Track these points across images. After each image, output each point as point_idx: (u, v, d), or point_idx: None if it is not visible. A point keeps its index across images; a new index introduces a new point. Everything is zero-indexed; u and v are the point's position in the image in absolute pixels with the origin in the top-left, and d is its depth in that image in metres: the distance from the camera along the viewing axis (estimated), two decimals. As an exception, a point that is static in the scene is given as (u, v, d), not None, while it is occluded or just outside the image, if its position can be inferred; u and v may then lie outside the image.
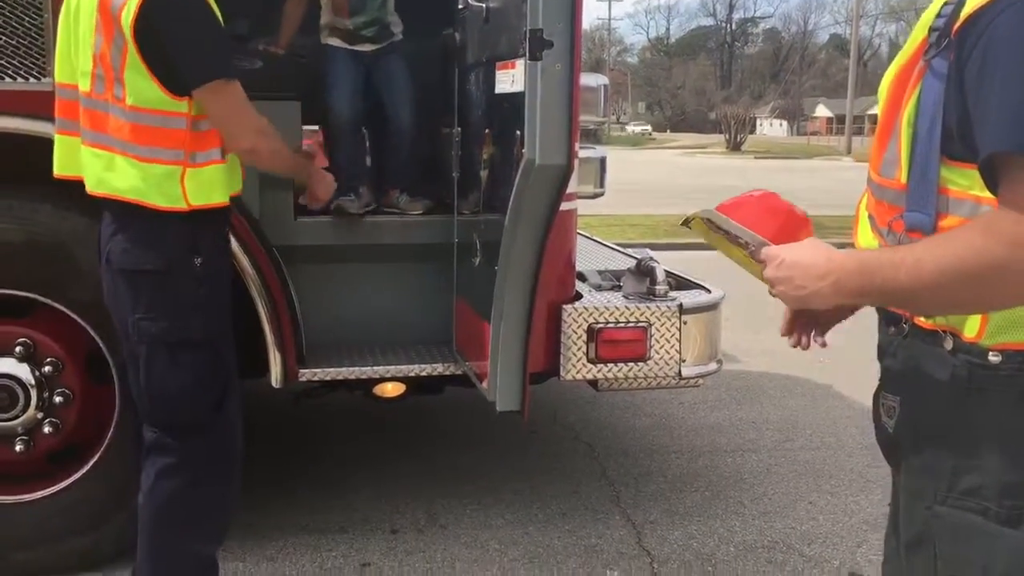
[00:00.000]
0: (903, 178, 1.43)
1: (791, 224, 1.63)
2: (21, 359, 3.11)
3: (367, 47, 3.83)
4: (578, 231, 3.71)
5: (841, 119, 58.70)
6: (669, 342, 3.33)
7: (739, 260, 1.71)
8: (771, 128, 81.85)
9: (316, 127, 4.10)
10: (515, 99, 2.69)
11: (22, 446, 3.15)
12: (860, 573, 3.38)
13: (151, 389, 2.62)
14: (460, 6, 3.40)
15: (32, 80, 2.99)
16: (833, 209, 11.54)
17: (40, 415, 3.13)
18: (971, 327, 1.39)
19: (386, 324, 3.62)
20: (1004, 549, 1.38)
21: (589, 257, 4.34)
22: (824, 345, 1.81)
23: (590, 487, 4.11)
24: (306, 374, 3.29)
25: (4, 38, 2.98)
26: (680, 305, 3.35)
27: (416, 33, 3.99)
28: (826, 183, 22.89)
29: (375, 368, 3.37)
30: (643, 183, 21.49)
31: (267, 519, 3.62)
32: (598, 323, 3.28)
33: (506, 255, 2.81)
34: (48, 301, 3.09)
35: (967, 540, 1.41)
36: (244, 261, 3.12)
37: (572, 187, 2.98)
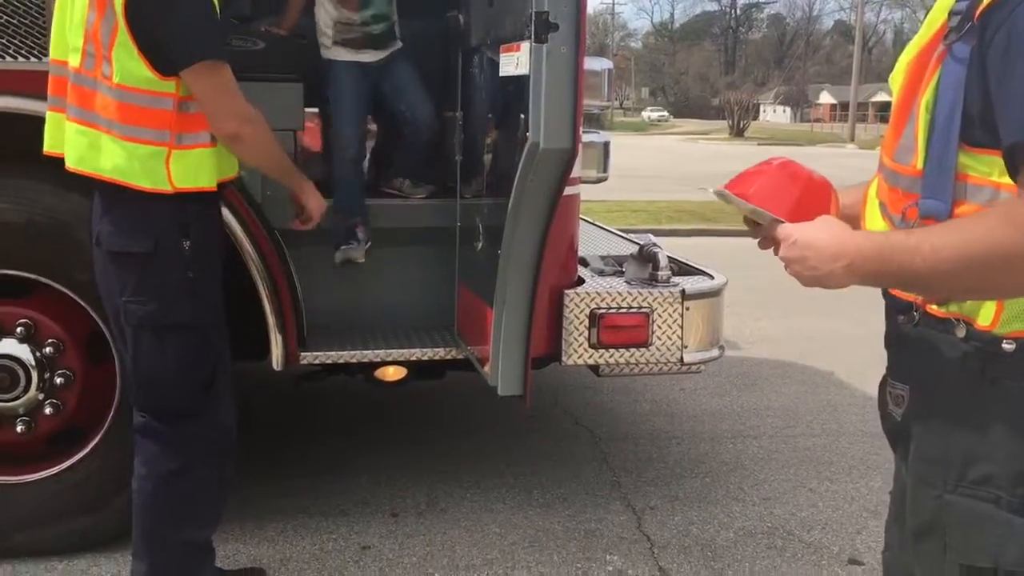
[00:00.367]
0: (919, 164, 1.41)
1: (811, 191, 1.60)
2: (22, 340, 3.11)
3: (371, 55, 3.68)
4: (580, 216, 3.70)
5: (845, 106, 58.55)
6: (671, 328, 3.32)
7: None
8: (775, 114, 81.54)
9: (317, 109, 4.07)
10: (519, 82, 2.67)
11: (23, 427, 3.15)
12: (860, 560, 3.39)
13: (139, 373, 2.61)
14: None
15: (33, 60, 2.97)
16: (836, 196, 11.49)
17: (41, 396, 3.13)
18: (985, 315, 1.38)
19: (388, 308, 3.62)
20: (1016, 537, 1.37)
21: (591, 242, 4.33)
22: None
23: (590, 472, 4.11)
24: (307, 357, 3.29)
25: (5, 17, 2.96)
26: (682, 291, 3.35)
27: (419, 14, 3.95)
28: (829, 170, 22.02)
29: (376, 352, 3.36)
30: (646, 168, 21.42)
31: (267, 501, 3.62)
32: (600, 308, 3.27)
33: (509, 239, 2.80)
34: (49, 282, 3.09)
35: (978, 529, 1.40)
36: (246, 243, 3.11)
37: (576, 171, 2.97)
